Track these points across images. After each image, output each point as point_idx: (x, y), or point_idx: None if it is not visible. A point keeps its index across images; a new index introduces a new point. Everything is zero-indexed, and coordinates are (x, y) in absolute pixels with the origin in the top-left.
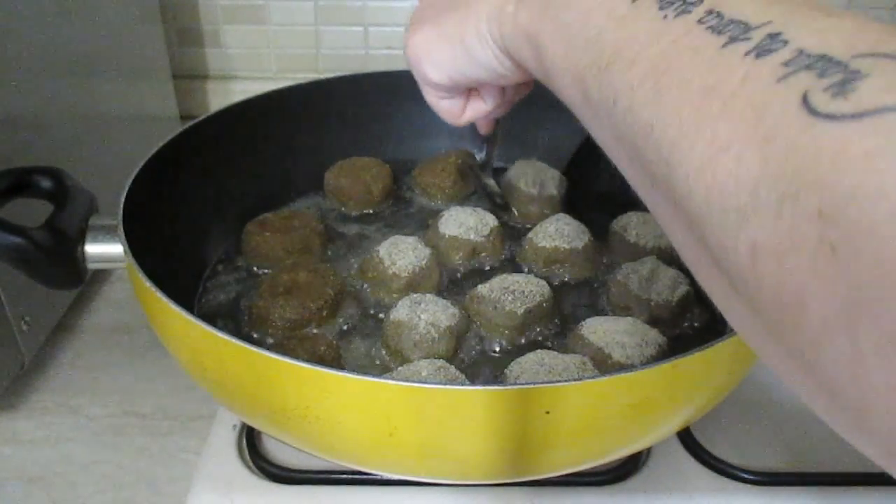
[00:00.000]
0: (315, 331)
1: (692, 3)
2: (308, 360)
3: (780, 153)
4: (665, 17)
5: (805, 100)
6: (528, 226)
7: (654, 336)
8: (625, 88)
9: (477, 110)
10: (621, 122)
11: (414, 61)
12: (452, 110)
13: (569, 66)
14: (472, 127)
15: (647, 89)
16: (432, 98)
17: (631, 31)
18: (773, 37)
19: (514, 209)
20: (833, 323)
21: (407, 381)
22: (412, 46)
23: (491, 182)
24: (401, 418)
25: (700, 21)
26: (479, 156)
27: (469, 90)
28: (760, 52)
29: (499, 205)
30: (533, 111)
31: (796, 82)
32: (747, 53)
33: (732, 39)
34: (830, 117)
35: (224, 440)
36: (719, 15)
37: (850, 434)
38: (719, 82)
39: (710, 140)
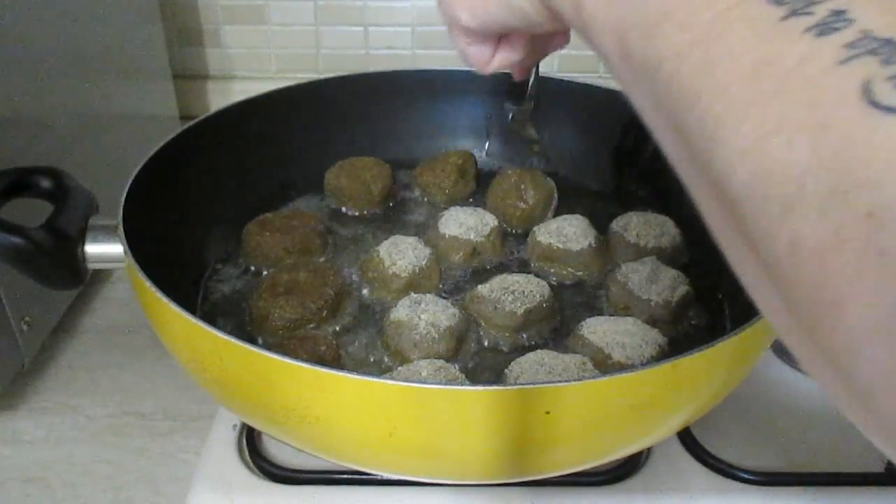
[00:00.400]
0: (315, 331)
1: None
2: (308, 360)
3: (833, 144)
4: None
5: (866, 88)
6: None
7: (654, 336)
8: (671, 53)
9: (505, 59)
10: (664, 88)
11: (446, 3)
12: (480, 58)
13: (610, 21)
14: (474, 126)
15: (695, 58)
16: (461, 43)
17: None
18: (837, 14)
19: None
20: (872, 330)
21: (407, 381)
22: None
23: (531, 131)
24: (401, 418)
25: None
26: (512, 107)
27: (499, 38)
28: (823, 29)
29: (537, 153)
30: (535, 112)
31: (858, 68)
32: (808, 30)
33: (793, 12)
34: (891, 111)
35: (224, 440)
36: None
37: (876, 438)
38: (775, 58)
39: (759, 121)
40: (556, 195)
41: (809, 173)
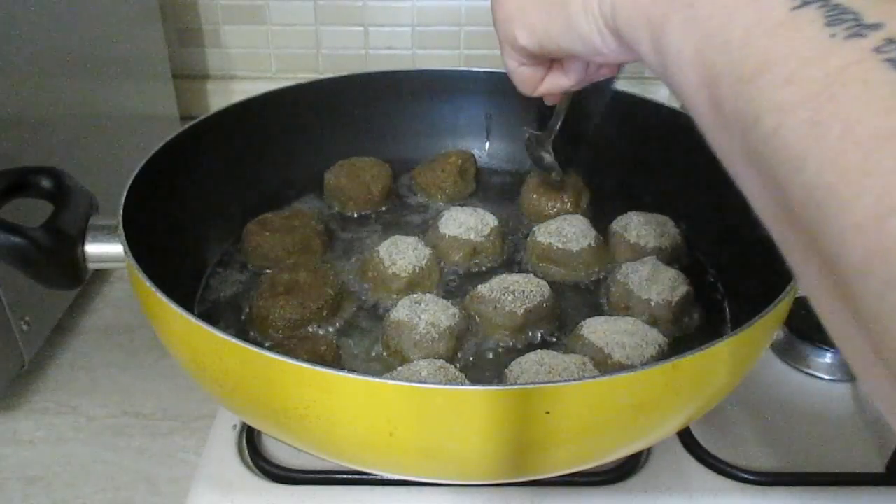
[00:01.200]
0: (315, 331)
1: (868, 27)
2: (308, 360)
3: None
4: (833, 35)
5: None
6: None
7: (654, 336)
8: (773, 109)
9: (555, 84)
10: (761, 145)
11: (503, 20)
12: (530, 80)
13: (698, 66)
14: (474, 126)
15: (802, 117)
16: (512, 63)
17: (788, 44)
18: None
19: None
20: None
21: (407, 381)
22: (504, 2)
23: (549, 156)
24: (401, 418)
25: (877, 50)
26: (532, 131)
27: (552, 61)
28: None
29: (555, 180)
30: (534, 111)
31: None
32: None
33: None
34: None
35: (224, 440)
36: None
37: None
38: None
39: (879, 196)
40: (587, 195)
41: None
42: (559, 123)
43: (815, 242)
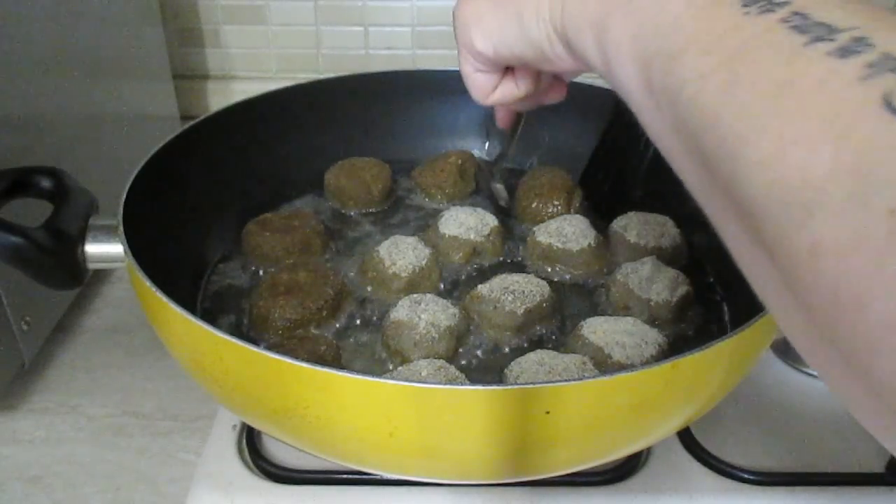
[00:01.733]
0: (315, 331)
1: (778, 4)
2: (308, 360)
3: (854, 149)
4: (747, 13)
5: (887, 98)
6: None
7: (654, 336)
8: (694, 77)
9: (507, 93)
10: (685, 112)
11: (462, 24)
12: (484, 86)
13: (635, 52)
14: (474, 126)
15: (718, 79)
16: (468, 68)
17: (709, 22)
18: (858, 40)
19: (514, 213)
20: (894, 326)
21: (407, 381)
22: (463, 8)
23: (500, 185)
24: (401, 418)
25: (784, 20)
26: (487, 152)
27: (505, 70)
28: (844, 52)
29: (503, 208)
30: (535, 111)
31: (879, 82)
32: (829, 53)
33: (816, 39)
34: None
35: (224, 440)
36: (804, 17)
37: (890, 440)
38: (797, 77)
39: (780, 134)
40: (579, 195)
41: (830, 180)
42: (509, 149)
43: (729, 190)
